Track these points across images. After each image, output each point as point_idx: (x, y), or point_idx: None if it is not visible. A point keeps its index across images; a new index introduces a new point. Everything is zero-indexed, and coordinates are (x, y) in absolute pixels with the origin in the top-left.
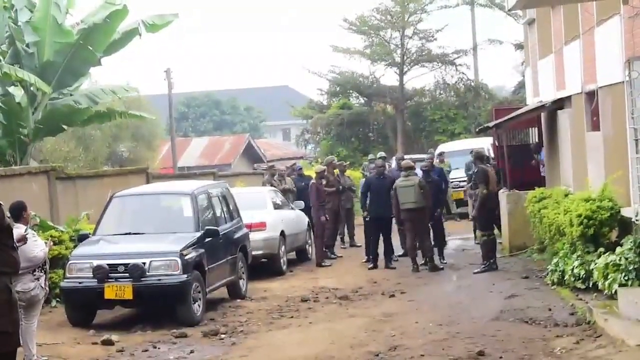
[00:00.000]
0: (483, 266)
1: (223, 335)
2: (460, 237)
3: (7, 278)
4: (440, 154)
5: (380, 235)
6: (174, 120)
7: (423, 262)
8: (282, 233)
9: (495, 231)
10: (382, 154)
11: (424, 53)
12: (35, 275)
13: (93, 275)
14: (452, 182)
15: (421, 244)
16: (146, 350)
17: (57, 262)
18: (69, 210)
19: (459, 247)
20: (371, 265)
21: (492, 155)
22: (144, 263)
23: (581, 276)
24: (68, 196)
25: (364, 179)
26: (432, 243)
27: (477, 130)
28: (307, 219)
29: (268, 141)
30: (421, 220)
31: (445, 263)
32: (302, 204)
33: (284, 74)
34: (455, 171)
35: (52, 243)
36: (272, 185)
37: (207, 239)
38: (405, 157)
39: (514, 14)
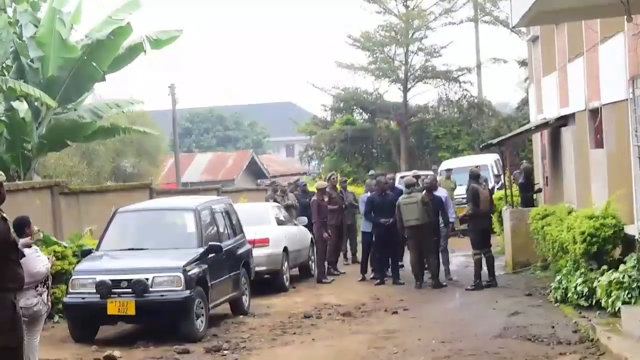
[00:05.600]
0: (473, 284)
1: (226, 352)
2: (463, 253)
3: (12, 294)
4: (448, 170)
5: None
6: (178, 135)
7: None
8: (285, 249)
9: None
10: (373, 172)
11: (428, 70)
12: (38, 290)
13: (96, 291)
14: (455, 198)
15: (427, 261)
16: None
17: (60, 277)
18: (72, 225)
19: (462, 263)
20: (378, 282)
21: (496, 172)
22: (147, 279)
23: (584, 294)
24: (71, 211)
25: (365, 195)
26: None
27: (480, 147)
28: (310, 235)
29: (271, 157)
30: (425, 236)
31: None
32: (305, 220)
33: (287, 91)
34: (459, 187)
35: (54, 258)
36: (275, 201)
37: (210, 255)
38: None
39: (518, 31)
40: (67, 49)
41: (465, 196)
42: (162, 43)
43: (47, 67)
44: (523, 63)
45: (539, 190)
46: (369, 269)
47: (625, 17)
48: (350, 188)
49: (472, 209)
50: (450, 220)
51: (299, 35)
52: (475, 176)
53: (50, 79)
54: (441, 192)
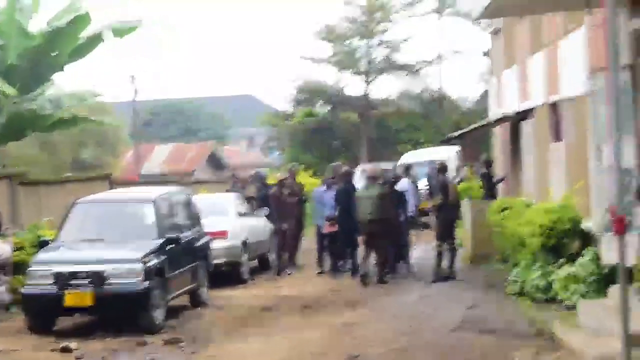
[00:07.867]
0: (433, 277)
1: (183, 344)
2: (424, 246)
3: None
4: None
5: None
6: (139, 127)
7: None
8: (245, 241)
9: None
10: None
11: (389, 62)
12: (1, 279)
13: (53, 282)
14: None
15: (376, 253)
16: (105, 358)
17: (18, 268)
18: (32, 216)
19: (421, 257)
20: (333, 274)
21: (458, 163)
22: (105, 270)
23: (541, 287)
24: (30, 202)
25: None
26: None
27: (441, 141)
28: (270, 227)
29: (233, 149)
30: (380, 231)
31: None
32: (266, 211)
33: (248, 83)
34: (419, 181)
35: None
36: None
37: (169, 246)
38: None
39: (480, 23)
40: (26, 37)
41: (424, 189)
42: (121, 32)
43: (7, 55)
44: (487, 53)
45: (501, 180)
46: (327, 262)
47: (585, 11)
48: (311, 181)
49: (442, 199)
50: (409, 213)
51: (260, 28)
52: (443, 169)
53: (10, 67)
54: (403, 184)
